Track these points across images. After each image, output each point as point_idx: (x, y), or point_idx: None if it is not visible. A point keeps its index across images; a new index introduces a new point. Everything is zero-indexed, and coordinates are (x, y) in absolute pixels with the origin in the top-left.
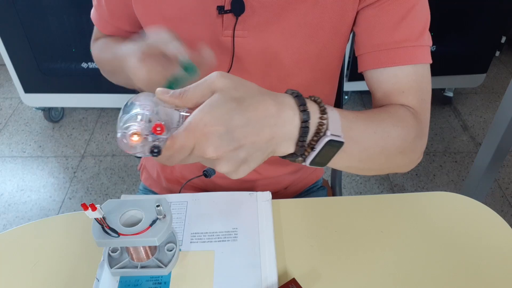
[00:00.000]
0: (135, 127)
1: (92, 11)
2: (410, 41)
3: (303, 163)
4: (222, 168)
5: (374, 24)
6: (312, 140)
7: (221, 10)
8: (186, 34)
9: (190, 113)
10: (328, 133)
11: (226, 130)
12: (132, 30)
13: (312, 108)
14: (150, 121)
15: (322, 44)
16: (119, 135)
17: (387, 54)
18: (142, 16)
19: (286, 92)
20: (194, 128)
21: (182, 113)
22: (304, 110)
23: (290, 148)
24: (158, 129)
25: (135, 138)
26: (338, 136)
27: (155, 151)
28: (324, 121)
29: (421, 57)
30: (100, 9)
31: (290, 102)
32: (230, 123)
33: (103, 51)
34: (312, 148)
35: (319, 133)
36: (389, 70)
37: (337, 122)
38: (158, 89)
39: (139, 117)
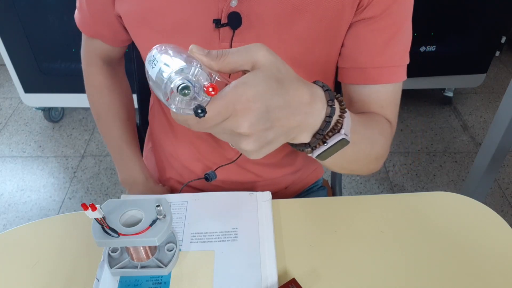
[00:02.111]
0: (186, 82)
1: (76, 12)
2: (394, 61)
3: (309, 154)
4: (248, 146)
5: (363, 43)
6: (327, 134)
7: (217, 23)
8: (181, 45)
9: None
10: (342, 131)
11: (266, 109)
12: (111, 37)
13: (336, 105)
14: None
15: (319, 54)
16: (172, 84)
17: (373, 73)
18: (132, 28)
19: (316, 84)
20: (236, 100)
21: (216, 78)
22: (331, 106)
23: (307, 138)
24: (211, 90)
25: (186, 92)
26: (348, 136)
27: (200, 111)
28: (342, 119)
29: (400, 76)
30: (82, 12)
31: (321, 95)
32: (270, 102)
33: (104, 120)
34: (324, 142)
35: (334, 130)
36: (372, 87)
37: (349, 123)
38: (193, 46)
39: (192, 71)
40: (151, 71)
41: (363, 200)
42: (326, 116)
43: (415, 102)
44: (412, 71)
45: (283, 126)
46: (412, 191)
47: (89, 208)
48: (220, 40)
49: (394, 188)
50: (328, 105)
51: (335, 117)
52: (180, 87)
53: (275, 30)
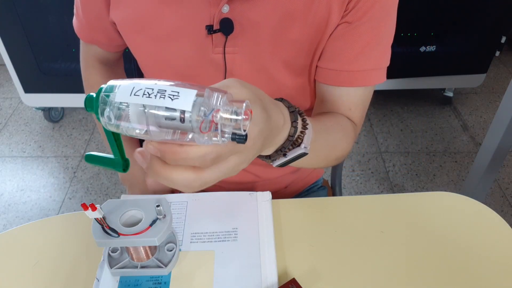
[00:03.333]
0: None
1: (74, 18)
2: (369, 66)
3: (270, 163)
4: (241, 167)
5: (342, 46)
6: (287, 148)
7: (210, 30)
8: (175, 52)
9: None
10: (302, 145)
11: (264, 141)
12: (107, 43)
13: (299, 123)
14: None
15: (308, 57)
16: (226, 113)
17: (347, 76)
18: (127, 35)
19: (282, 103)
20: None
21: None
22: (295, 126)
23: (270, 152)
24: (247, 117)
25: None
26: (307, 148)
27: (245, 136)
28: (303, 135)
29: (374, 79)
30: (79, 18)
31: (287, 116)
32: (265, 133)
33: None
34: (284, 155)
35: (295, 144)
36: (344, 89)
37: (310, 136)
38: None
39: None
40: (159, 103)
41: (363, 200)
42: (289, 135)
43: (415, 102)
44: (412, 71)
45: (263, 146)
46: (412, 191)
47: (89, 208)
48: (213, 46)
49: (394, 188)
50: (292, 126)
51: (297, 134)
52: (237, 112)
53: (267, 35)
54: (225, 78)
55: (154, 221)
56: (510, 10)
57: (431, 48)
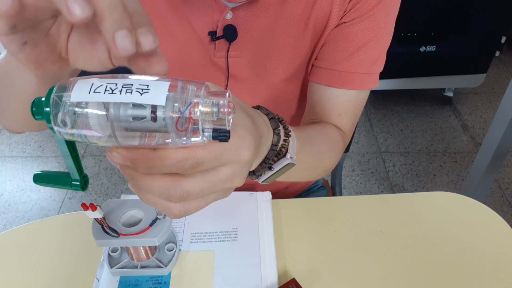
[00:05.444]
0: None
1: None
2: (363, 68)
3: (256, 180)
4: (235, 184)
5: (336, 45)
6: (272, 160)
7: (213, 36)
8: (178, 54)
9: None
10: (288, 155)
11: (255, 151)
12: None
13: (281, 130)
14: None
15: (308, 59)
16: (205, 106)
17: (339, 76)
18: None
19: (260, 111)
20: (240, 145)
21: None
22: (277, 134)
23: (254, 166)
24: (230, 110)
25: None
26: (293, 158)
27: (225, 133)
28: (287, 143)
29: (367, 84)
30: None
31: (268, 123)
32: (257, 141)
33: None
34: (270, 168)
35: (280, 155)
36: (334, 90)
37: (294, 145)
38: None
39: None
40: (126, 99)
41: (363, 200)
42: (272, 145)
43: (415, 102)
44: (412, 71)
45: (252, 159)
46: (412, 191)
47: (89, 208)
48: (216, 51)
49: (394, 188)
50: (274, 133)
51: (280, 143)
52: (219, 105)
53: (270, 41)
54: (227, 81)
55: (154, 221)
56: (510, 10)
57: (431, 48)
